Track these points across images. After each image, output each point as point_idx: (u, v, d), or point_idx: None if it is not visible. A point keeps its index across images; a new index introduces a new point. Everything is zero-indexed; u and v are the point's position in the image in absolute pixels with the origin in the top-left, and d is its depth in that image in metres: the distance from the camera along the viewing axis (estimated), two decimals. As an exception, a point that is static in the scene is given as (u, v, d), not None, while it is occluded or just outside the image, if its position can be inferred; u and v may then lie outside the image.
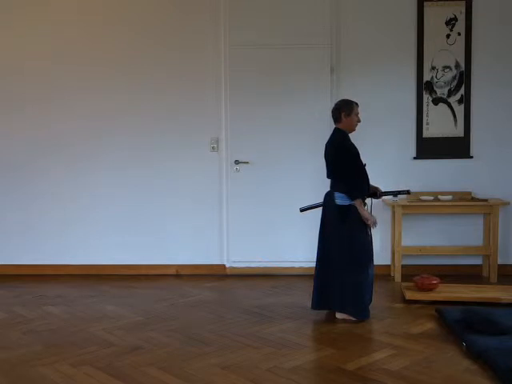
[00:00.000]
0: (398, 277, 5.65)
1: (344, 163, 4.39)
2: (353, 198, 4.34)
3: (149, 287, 5.58)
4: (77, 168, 6.06)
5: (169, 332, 4.19)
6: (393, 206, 5.74)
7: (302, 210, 4.86)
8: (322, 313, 4.60)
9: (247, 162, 5.94)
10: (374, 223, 4.41)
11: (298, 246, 5.94)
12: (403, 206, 5.63)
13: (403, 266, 5.67)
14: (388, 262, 5.95)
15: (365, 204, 4.46)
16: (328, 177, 4.50)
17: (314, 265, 5.82)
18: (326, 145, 4.53)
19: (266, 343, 3.93)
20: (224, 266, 6.04)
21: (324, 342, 3.94)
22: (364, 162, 4.52)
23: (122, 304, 4.97)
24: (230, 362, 3.59)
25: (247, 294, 5.33)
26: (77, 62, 5.99)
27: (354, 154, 4.46)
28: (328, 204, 4.49)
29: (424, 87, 5.91)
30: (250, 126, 5.95)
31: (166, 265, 6.04)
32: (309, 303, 4.62)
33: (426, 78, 5.90)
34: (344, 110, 4.49)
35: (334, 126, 4.57)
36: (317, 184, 5.83)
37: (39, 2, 5.99)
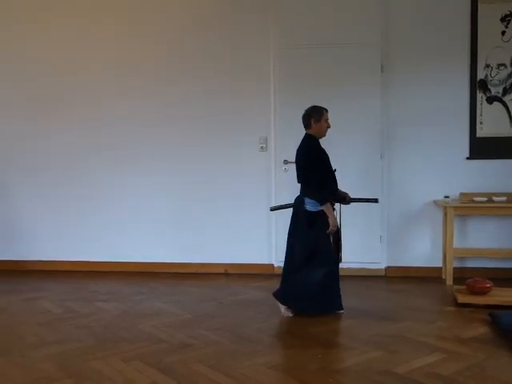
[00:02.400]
0: (449, 279, 5.54)
1: (312, 169, 4.45)
2: (321, 204, 4.40)
3: (198, 285, 5.64)
4: (128, 168, 6.18)
5: (217, 330, 4.22)
6: (444, 207, 5.62)
7: (272, 210, 4.93)
8: (372, 315, 4.55)
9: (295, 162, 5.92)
10: (334, 231, 4.45)
11: (349, 247, 5.86)
12: (455, 208, 5.51)
13: (455, 269, 5.55)
14: (439, 264, 5.83)
15: (334, 210, 4.51)
16: (298, 182, 4.54)
17: (361, 266, 5.82)
18: (297, 150, 4.58)
19: (314, 343, 3.91)
20: (272, 265, 6.05)
21: (373, 344, 3.89)
22: (334, 168, 4.59)
23: (171, 301, 5.04)
24: (277, 362, 3.59)
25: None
26: (120, 63, 6.13)
27: (322, 159, 4.52)
28: (298, 209, 4.54)
29: (478, 86, 5.77)
30: (299, 125, 5.85)
31: (215, 264, 6.09)
32: (356, 304, 4.62)
33: (480, 76, 5.76)
34: (313, 116, 4.56)
35: (305, 132, 4.62)
36: (366, 184, 5.81)
37: (93, 7, 6.14)
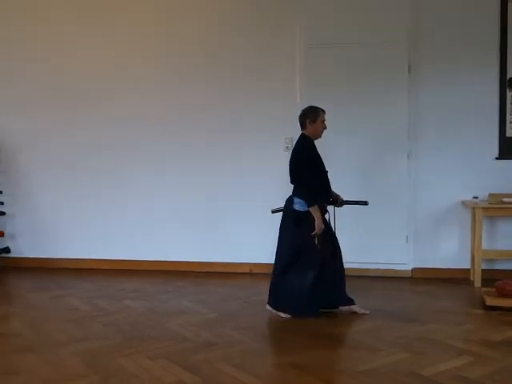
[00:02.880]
0: (477, 281, 5.46)
1: (302, 170, 4.45)
2: (309, 205, 4.39)
3: (223, 285, 5.66)
4: (153, 168, 6.24)
5: (242, 329, 4.23)
6: (473, 208, 5.55)
7: (273, 212, 4.88)
8: (399, 316, 4.52)
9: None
10: (319, 233, 4.41)
11: (374, 247, 5.85)
12: (484, 209, 5.43)
13: (483, 271, 5.48)
14: (467, 265, 5.76)
15: (326, 211, 4.55)
16: (290, 182, 4.55)
17: (387, 267, 5.78)
18: (292, 151, 4.59)
19: (339, 344, 3.90)
20: (298, 265, 6.03)
21: (399, 346, 3.85)
22: (326, 170, 4.59)
23: (196, 300, 5.07)
24: (302, 362, 3.59)
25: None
26: (152, 62, 6.18)
27: (315, 161, 4.51)
28: (287, 208, 4.58)
29: (507, 84, 5.68)
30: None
31: (240, 263, 6.11)
32: (383, 305, 4.59)
33: (510, 74, 5.67)
34: (309, 117, 4.55)
35: (301, 132, 4.61)
36: (393, 184, 5.77)
37: (116, 7, 6.21)
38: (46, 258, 6.45)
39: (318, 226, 4.40)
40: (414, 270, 5.90)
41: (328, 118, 5.79)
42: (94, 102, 6.30)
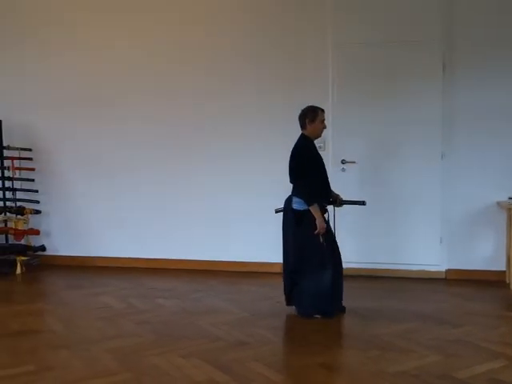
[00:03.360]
0: (513, 283, 5.37)
1: (301, 169, 4.47)
2: (308, 204, 4.40)
3: (254, 284, 5.66)
4: (188, 168, 6.27)
5: (274, 329, 4.23)
6: (509, 209, 5.45)
7: (276, 212, 4.85)
8: (432, 318, 4.47)
9: (353, 162, 5.88)
10: (322, 232, 4.42)
11: (406, 248, 5.79)
12: (520, 209, 5.33)
13: (519, 273, 5.38)
14: (503, 267, 5.65)
15: (326, 211, 4.56)
16: (290, 181, 4.57)
17: (420, 268, 5.71)
18: (291, 150, 4.59)
19: (371, 346, 3.86)
20: (329, 265, 6.01)
21: (433, 348, 3.80)
22: (326, 169, 4.65)
23: (228, 299, 5.09)
24: (333, 362, 3.57)
25: (354, 294, 5.25)
26: (187, 63, 6.21)
27: (314, 160, 4.53)
28: (287, 208, 4.60)
29: (546, 83, 5.56)
30: (357, 125, 5.88)
31: (272, 263, 6.09)
32: (416, 307, 4.56)
33: (548, 73, 5.55)
34: (308, 117, 4.56)
35: (301, 132, 4.63)
36: (426, 184, 5.70)
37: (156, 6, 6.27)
38: (80, 256, 6.56)
39: (319, 224, 4.41)
40: (447, 271, 5.82)
41: (359, 118, 5.81)
42: (127, 102, 6.37)
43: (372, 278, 5.81)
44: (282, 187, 5.98)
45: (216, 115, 6.17)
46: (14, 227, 6.33)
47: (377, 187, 5.85)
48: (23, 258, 6.25)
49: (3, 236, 6.44)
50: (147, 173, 6.36)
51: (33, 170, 6.52)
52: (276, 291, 5.35)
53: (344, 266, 5.97)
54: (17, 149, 6.46)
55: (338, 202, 4.75)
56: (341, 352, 3.77)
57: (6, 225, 6.40)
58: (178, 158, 6.29)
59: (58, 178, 6.60)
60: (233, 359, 3.65)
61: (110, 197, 6.48)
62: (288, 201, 4.62)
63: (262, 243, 6.10)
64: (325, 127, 4.66)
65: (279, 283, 5.67)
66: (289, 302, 4.69)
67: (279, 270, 6.02)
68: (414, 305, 4.86)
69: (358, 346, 3.86)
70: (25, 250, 6.37)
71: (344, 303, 4.79)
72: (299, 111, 5.90)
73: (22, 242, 6.40)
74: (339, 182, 5.86)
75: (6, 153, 6.46)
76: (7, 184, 6.45)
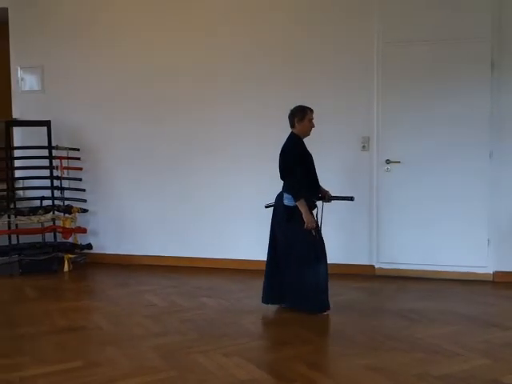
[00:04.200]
0: None
1: (290, 166, 4.59)
2: (296, 200, 4.51)
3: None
4: (229, 167, 6.29)
5: (316, 329, 4.22)
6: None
7: (266, 207, 4.93)
8: (479, 321, 4.38)
9: (398, 162, 5.80)
10: (312, 227, 4.51)
11: (452, 250, 5.68)
12: None
13: None
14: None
15: (315, 207, 4.68)
16: (280, 178, 4.66)
17: (467, 270, 5.59)
18: (281, 148, 4.70)
19: (415, 348, 3.81)
20: (373, 266, 5.95)
21: (479, 351, 3.73)
22: (315, 166, 4.77)
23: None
24: (377, 364, 3.54)
25: (397, 296, 5.22)
26: (232, 62, 6.23)
27: (302, 158, 4.64)
28: (277, 204, 4.71)
29: None
30: (402, 124, 5.79)
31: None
32: (463, 309, 4.47)
33: None
34: (297, 116, 4.70)
35: (291, 131, 4.75)
36: (473, 184, 5.59)
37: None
38: (125, 255, 6.66)
39: (307, 219, 4.49)
40: (495, 273, 5.68)
41: (404, 117, 5.73)
42: (176, 102, 6.41)
43: (415, 279, 5.72)
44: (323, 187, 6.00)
45: (264, 114, 6.15)
46: (62, 225, 6.49)
47: (422, 187, 5.76)
48: (71, 256, 6.40)
49: (51, 234, 6.60)
50: (192, 173, 6.41)
51: (80, 169, 6.67)
52: (319, 291, 5.34)
53: (386, 266, 5.94)
54: (65, 148, 6.61)
55: (326, 197, 4.86)
56: (385, 354, 3.72)
57: (54, 223, 6.57)
58: (222, 159, 6.32)
59: (105, 177, 6.73)
60: (275, 359, 3.66)
61: (156, 196, 6.56)
62: (279, 197, 4.73)
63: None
64: (313, 126, 4.77)
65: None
66: (269, 300, 4.75)
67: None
68: (460, 307, 4.76)
69: (403, 348, 3.81)
70: (72, 248, 6.53)
71: (388, 304, 4.76)
72: (346, 111, 5.92)
73: (70, 240, 6.55)
74: (383, 182, 5.83)
75: (54, 152, 6.61)
76: (56, 183, 6.61)
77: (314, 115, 4.78)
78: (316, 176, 4.81)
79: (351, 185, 5.93)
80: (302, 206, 4.52)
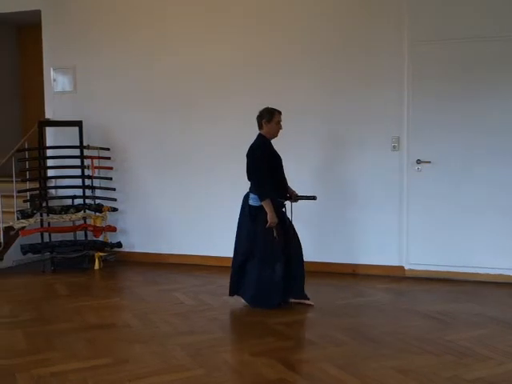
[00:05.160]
0: None
1: (255, 167, 4.71)
2: (261, 199, 4.64)
3: (324, 284, 5.62)
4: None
5: (345, 330, 4.18)
6: None
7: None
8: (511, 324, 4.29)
9: (429, 162, 5.72)
10: (273, 225, 4.64)
11: (484, 251, 5.59)
12: None
13: None
14: None
15: (283, 206, 4.81)
16: (247, 179, 4.80)
17: (500, 272, 5.50)
18: (248, 149, 4.82)
19: (446, 351, 3.75)
20: (402, 267, 5.88)
21: None
22: (283, 167, 4.88)
23: (298, 299, 5.07)
24: (407, 367, 3.49)
25: (427, 297, 5.15)
26: (260, 62, 6.23)
27: (268, 158, 4.73)
28: (244, 204, 4.85)
29: None
30: (433, 124, 5.71)
31: (343, 263, 6.04)
32: (496, 312, 4.44)
33: None
34: (265, 118, 4.79)
35: (258, 132, 4.85)
36: (504, 184, 5.49)
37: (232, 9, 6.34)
38: (154, 253, 6.72)
39: (270, 218, 4.62)
40: (529, 275, 5.57)
41: (435, 117, 5.65)
42: (204, 102, 6.44)
43: (445, 280, 5.64)
44: (351, 188, 5.96)
45: (294, 113, 6.09)
46: (92, 224, 6.57)
47: (453, 187, 5.67)
48: (101, 254, 6.48)
49: (82, 232, 6.69)
50: (220, 173, 6.42)
51: (111, 168, 6.75)
52: (346, 292, 5.32)
53: (416, 267, 5.87)
54: (96, 148, 6.70)
55: (293, 197, 4.95)
56: (415, 356, 3.67)
57: (85, 221, 6.66)
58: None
59: (134, 176, 6.79)
60: (303, 359, 3.64)
61: (183, 195, 6.60)
62: (246, 197, 4.86)
63: (331, 243, 6.05)
64: (280, 128, 4.85)
65: (349, 284, 5.66)
66: (233, 292, 4.92)
67: (350, 270, 6.00)
68: (492, 310, 4.68)
69: (433, 351, 3.76)
70: (103, 246, 6.61)
71: (418, 306, 4.70)
72: (375, 111, 5.86)
73: (100, 238, 6.63)
74: (414, 182, 5.76)
75: (86, 152, 6.71)
76: (87, 182, 6.70)
77: (281, 117, 4.89)
78: (283, 176, 4.93)
79: (381, 185, 5.89)
80: (267, 206, 4.63)
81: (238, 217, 4.94)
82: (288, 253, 4.77)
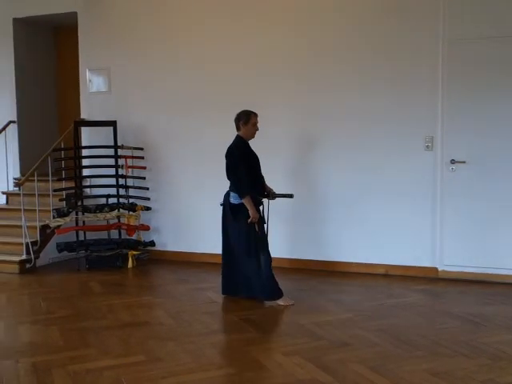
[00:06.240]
0: None
1: (234, 166, 4.91)
2: (241, 197, 4.84)
3: (357, 285, 5.59)
4: (286, 168, 6.29)
5: (377, 332, 4.16)
6: None
7: (221, 205, 5.16)
8: (547, 327, 4.22)
9: (464, 162, 5.64)
10: (255, 221, 4.84)
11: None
12: None
13: None
14: None
15: (261, 203, 5.01)
16: (227, 178, 4.99)
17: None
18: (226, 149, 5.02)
19: (481, 353, 3.70)
20: (436, 268, 5.81)
21: (548, 360, 3.59)
22: (260, 166, 5.08)
23: (331, 300, 5.06)
24: (441, 369, 3.46)
25: (461, 299, 5.08)
26: (295, 63, 6.22)
27: (246, 158, 4.93)
28: (225, 202, 5.05)
29: None
30: (468, 123, 5.63)
31: (376, 264, 6.00)
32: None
33: None
34: (242, 119, 5.00)
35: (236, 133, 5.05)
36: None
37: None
38: (186, 252, 6.77)
39: (252, 214, 4.81)
40: None
41: (470, 116, 5.56)
42: (234, 102, 6.42)
43: (479, 282, 5.55)
44: (385, 187, 5.91)
45: (328, 114, 6.10)
46: (126, 223, 6.66)
47: (488, 188, 5.58)
48: (134, 253, 6.56)
49: (116, 231, 6.78)
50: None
51: (144, 168, 6.82)
52: (379, 293, 5.28)
53: (450, 269, 5.80)
54: (130, 148, 6.79)
55: (270, 195, 5.14)
56: (449, 359, 3.63)
57: (119, 220, 6.75)
58: (277, 160, 6.33)
59: (167, 176, 6.85)
60: (335, 360, 3.63)
61: (214, 195, 6.52)
62: (226, 195, 5.04)
63: (364, 244, 6.01)
64: (257, 129, 5.04)
65: (381, 285, 5.61)
66: (226, 291, 5.14)
67: (382, 271, 5.96)
68: (530, 313, 4.60)
69: (467, 354, 3.71)
70: (136, 245, 6.69)
71: (451, 308, 4.65)
72: (410, 111, 5.80)
73: (134, 237, 6.71)
74: (448, 182, 5.68)
75: (120, 152, 6.79)
76: (121, 181, 6.79)
77: (258, 119, 5.04)
78: (261, 175, 5.13)
79: (414, 185, 5.82)
80: (247, 203, 4.82)
81: (222, 216, 5.12)
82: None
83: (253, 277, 4.94)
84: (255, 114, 5.04)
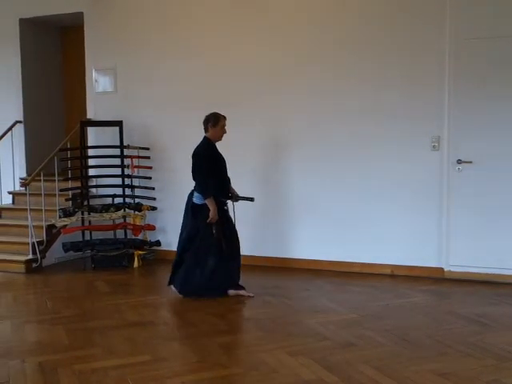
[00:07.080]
0: None
1: (198, 167, 5.03)
2: (205, 198, 4.98)
3: (362, 285, 5.58)
4: (310, 168, 6.29)
5: (383, 332, 4.15)
6: None
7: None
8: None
9: (470, 162, 5.62)
10: (213, 221, 4.99)
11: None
12: None
13: None
14: None
15: (225, 204, 5.17)
16: (192, 179, 5.11)
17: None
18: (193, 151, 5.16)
19: (487, 354, 3.69)
20: (442, 269, 5.80)
21: (555, 361, 3.57)
22: (226, 168, 5.24)
23: (336, 300, 5.05)
24: (447, 370, 3.45)
25: (467, 300, 5.06)
26: (311, 60, 6.20)
27: (211, 160, 5.06)
28: (188, 201, 5.19)
29: None
30: (475, 123, 5.61)
31: (381, 264, 5.99)
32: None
33: None
34: (210, 122, 5.13)
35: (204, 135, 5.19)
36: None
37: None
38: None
39: (212, 215, 4.96)
40: None
41: (477, 116, 5.54)
42: (246, 102, 6.45)
43: (486, 282, 5.52)
44: (390, 188, 5.90)
45: (334, 113, 6.10)
46: (132, 222, 6.67)
47: (494, 188, 5.55)
48: (140, 253, 6.58)
49: (122, 231, 6.79)
50: (260, 173, 6.45)
51: (150, 168, 6.83)
52: (384, 293, 5.27)
53: (456, 269, 5.77)
54: (136, 148, 6.80)
55: (234, 197, 5.27)
56: (455, 360, 3.62)
57: (125, 220, 6.76)
58: (286, 160, 6.32)
59: (173, 176, 6.85)
60: (341, 360, 3.62)
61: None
62: (190, 195, 5.20)
63: (370, 244, 6.00)
64: (225, 132, 5.17)
65: (387, 285, 5.61)
66: (170, 283, 5.29)
67: (388, 271, 5.95)
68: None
69: (473, 354, 3.70)
70: (142, 244, 6.71)
71: (457, 308, 4.64)
72: (416, 110, 5.78)
73: (140, 236, 6.72)
74: (454, 182, 5.67)
75: (126, 152, 6.81)
76: (127, 181, 6.80)
77: (226, 121, 5.17)
78: (226, 177, 5.25)
79: (420, 185, 5.81)
80: (210, 203, 4.97)
81: (183, 214, 5.28)
82: (230, 247, 5.11)
83: (187, 272, 5.10)
84: (224, 117, 5.17)
